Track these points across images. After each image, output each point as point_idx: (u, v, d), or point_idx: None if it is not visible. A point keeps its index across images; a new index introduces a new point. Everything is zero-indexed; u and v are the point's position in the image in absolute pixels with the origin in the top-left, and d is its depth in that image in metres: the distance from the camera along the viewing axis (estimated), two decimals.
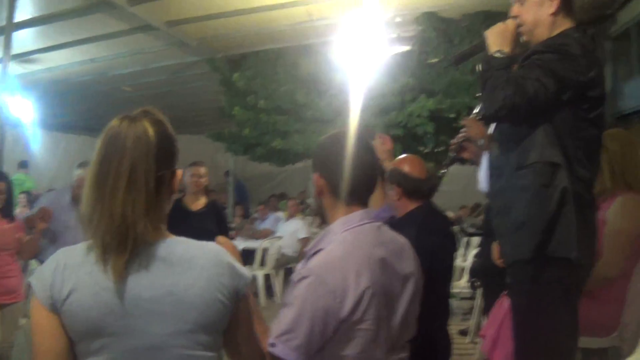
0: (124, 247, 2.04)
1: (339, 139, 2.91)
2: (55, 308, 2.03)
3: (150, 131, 2.16)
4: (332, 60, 11.44)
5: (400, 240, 2.97)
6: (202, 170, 7.74)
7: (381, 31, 10.05)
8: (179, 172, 2.29)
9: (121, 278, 2.03)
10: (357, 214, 2.83)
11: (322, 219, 2.97)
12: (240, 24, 10.82)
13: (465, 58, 3.91)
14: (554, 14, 3.38)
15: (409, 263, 2.90)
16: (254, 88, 12.31)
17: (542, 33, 3.40)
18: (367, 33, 9.74)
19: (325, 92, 11.85)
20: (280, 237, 12.21)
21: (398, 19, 10.94)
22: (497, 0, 10.22)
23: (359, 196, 2.86)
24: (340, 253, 2.67)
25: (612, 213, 4.34)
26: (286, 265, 12.31)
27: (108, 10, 9.56)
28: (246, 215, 15.80)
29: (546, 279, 3.21)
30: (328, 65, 11.60)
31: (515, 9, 3.49)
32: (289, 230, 12.52)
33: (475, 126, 4.44)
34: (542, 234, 3.16)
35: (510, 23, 3.44)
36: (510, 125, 3.36)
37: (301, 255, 12.17)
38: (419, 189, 4.24)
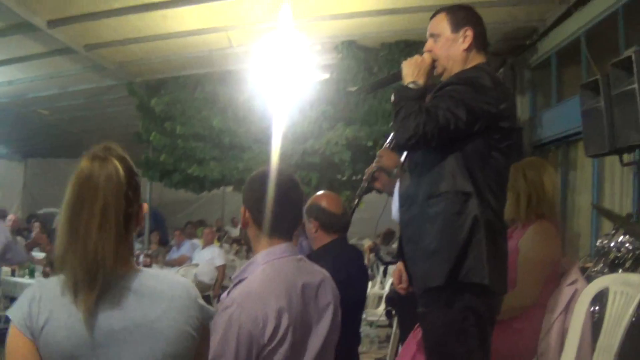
0: (95, 282, 2.09)
1: (267, 176, 3.02)
2: (33, 336, 2.08)
3: (121, 170, 2.21)
4: (251, 87, 11.42)
5: (320, 272, 3.12)
6: None
7: (300, 59, 10.07)
8: (145, 205, 2.35)
9: (91, 312, 2.08)
10: (279, 247, 2.98)
11: (249, 248, 3.05)
12: (159, 49, 10.73)
13: (379, 87, 3.96)
14: (467, 50, 3.42)
15: (328, 294, 3.06)
16: (171, 114, 12.19)
17: (456, 68, 3.43)
18: (286, 60, 9.74)
19: (243, 119, 11.81)
20: (196, 265, 12.04)
21: (318, 47, 11.00)
22: (416, 30, 10.38)
23: (282, 231, 3.02)
24: (261, 283, 2.82)
25: (525, 241, 4.38)
26: (203, 293, 12.09)
27: (27, 32, 9.38)
28: (163, 242, 15.59)
29: (458, 306, 3.19)
30: (247, 92, 11.57)
31: (429, 44, 3.53)
32: (205, 257, 12.35)
33: (388, 156, 4.56)
34: (453, 261, 3.15)
35: (427, 56, 3.48)
36: (422, 155, 3.38)
37: (217, 283, 12.06)
38: (335, 224, 4.47)
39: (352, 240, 14.15)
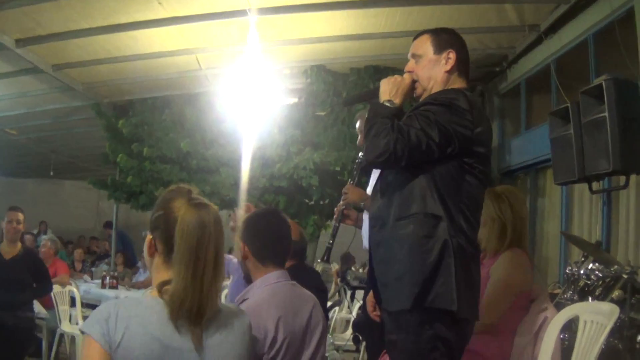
0: (204, 314, 2.48)
1: (261, 215, 3.76)
2: (110, 349, 2.34)
3: (217, 216, 2.60)
4: (219, 110, 11.33)
5: (311, 296, 3.67)
6: (20, 216, 7.35)
7: (269, 82, 10.00)
8: None
9: (200, 341, 2.48)
10: (275, 274, 3.58)
11: (247, 279, 3.65)
12: (128, 70, 10.60)
13: (357, 101, 3.93)
14: (449, 72, 3.41)
15: (318, 315, 3.60)
16: (139, 135, 12.04)
17: (435, 89, 3.40)
18: (255, 84, 9.66)
19: (211, 142, 11.70)
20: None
21: (287, 71, 10.96)
22: (385, 56, 10.36)
23: (276, 260, 3.62)
24: (261, 301, 3.38)
25: (496, 269, 4.31)
26: None
27: None
28: (130, 264, 15.37)
29: (427, 335, 3.11)
30: (215, 115, 11.48)
31: (410, 65, 3.49)
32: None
33: (353, 192, 4.93)
34: (421, 285, 3.08)
35: (407, 77, 3.44)
36: (393, 175, 3.32)
37: None
38: (293, 250, 4.62)
39: (319, 264, 14.08)
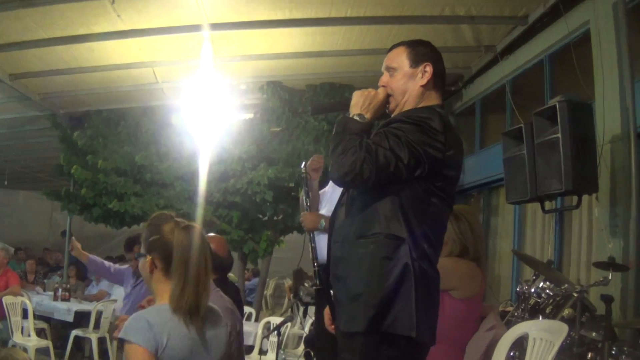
0: (200, 311, 3.12)
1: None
2: (157, 352, 2.91)
3: (201, 233, 3.25)
4: (175, 124, 11.23)
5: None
6: None
7: (225, 97, 9.92)
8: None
9: (202, 334, 3.13)
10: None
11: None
12: (85, 82, 10.42)
13: (325, 111, 3.82)
14: (424, 87, 3.30)
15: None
16: (94, 147, 11.87)
17: (410, 104, 3.31)
18: (211, 98, 9.59)
19: (165, 155, 11.58)
20: (114, 300, 11.66)
21: (243, 87, 10.90)
22: (341, 74, 10.36)
23: None
24: None
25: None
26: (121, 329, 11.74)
27: None
28: (82, 277, 15.13)
29: (381, 355, 3.04)
30: (171, 128, 11.38)
31: (384, 79, 3.38)
32: (124, 292, 12.00)
33: (308, 219, 4.93)
34: (376, 308, 3.00)
35: (381, 91, 3.33)
36: (359, 192, 3.21)
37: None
38: (220, 265, 4.98)
39: (273, 279, 13.99)
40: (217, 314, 3.34)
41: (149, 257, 3.14)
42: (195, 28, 8.18)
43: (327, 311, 4.07)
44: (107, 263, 8.10)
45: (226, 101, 10.08)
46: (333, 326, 3.74)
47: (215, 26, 8.19)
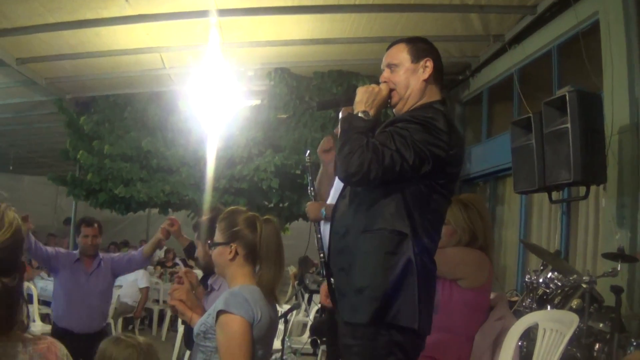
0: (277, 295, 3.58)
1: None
2: (252, 326, 3.29)
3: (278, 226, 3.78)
4: (181, 110, 11.21)
5: None
6: None
7: (232, 84, 9.92)
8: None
9: (275, 312, 3.57)
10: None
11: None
12: (92, 67, 10.40)
13: (331, 106, 3.81)
14: (426, 81, 3.35)
15: None
16: (100, 133, 11.87)
17: (413, 98, 3.36)
18: (218, 85, 9.57)
19: (172, 141, 11.58)
20: (119, 286, 11.69)
21: (250, 73, 10.88)
22: (349, 61, 10.33)
23: None
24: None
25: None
26: (126, 315, 11.78)
27: None
28: None
29: (384, 340, 3.09)
30: (177, 114, 11.37)
31: (385, 75, 3.41)
32: (129, 279, 11.94)
33: (312, 208, 4.90)
34: (380, 301, 3.06)
35: (384, 87, 3.36)
36: (364, 188, 3.24)
37: (140, 305, 11.71)
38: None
39: None
40: None
41: (233, 245, 3.51)
42: (203, 14, 8.15)
43: (323, 287, 4.09)
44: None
45: (233, 88, 10.08)
46: (328, 301, 3.80)
47: (223, 12, 8.17)
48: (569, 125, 5.97)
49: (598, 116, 6.12)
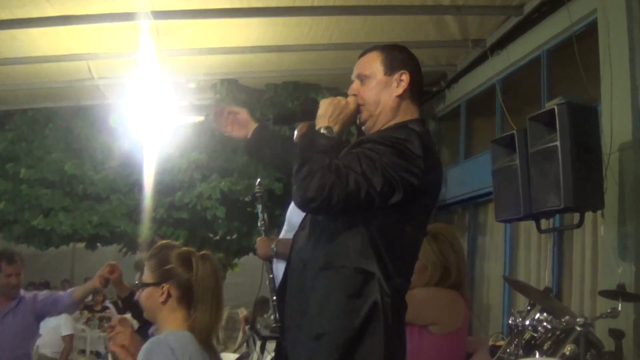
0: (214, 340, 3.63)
1: None
2: None
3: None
4: (112, 127, 11.14)
5: None
6: None
7: (172, 97, 9.88)
8: None
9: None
10: None
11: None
12: (7, 75, 10.19)
13: (288, 121, 3.80)
14: (400, 97, 3.35)
15: None
16: (16, 153, 11.76)
17: (384, 116, 3.36)
18: (155, 98, 9.53)
19: (101, 164, 11.51)
20: (38, 335, 11.55)
21: (192, 85, 10.85)
22: (306, 71, 10.34)
23: None
24: None
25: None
26: None
27: None
28: None
29: None
30: (107, 132, 11.30)
31: (354, 87, 3.40)
32: (49, 325, 11.79)
33: (262, 245, 4.99)
34: (341, 350, 3.05)
35: (352, 100, 3.34)
36: (324, 217, 3.25)
37: (63, 355, 11.52)
38: None
39: (225, 309, 13.93)
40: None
41: (165, 286, 3.55)
42: (138, 16, 8.05)
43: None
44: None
45: (173, 102, 10.05)
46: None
47: (161, 14, 8.07)
48: (558, 142, 5.95)
49: (593, 132, 6.12)
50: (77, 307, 7.48)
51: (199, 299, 3.54)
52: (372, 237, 3.11)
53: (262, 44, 9.31)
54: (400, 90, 3.34)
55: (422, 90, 3.50)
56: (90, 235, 11.86)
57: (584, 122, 6.03)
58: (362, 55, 3.48)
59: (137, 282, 3.75)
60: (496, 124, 9.02)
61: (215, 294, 3.59)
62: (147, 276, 3.61)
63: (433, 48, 9.33)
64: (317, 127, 3.22)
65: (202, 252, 3.69)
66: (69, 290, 6.60)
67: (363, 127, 3.40)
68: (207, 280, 3.57)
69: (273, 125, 4.13)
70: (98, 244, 12.40)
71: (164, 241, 3.84)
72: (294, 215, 4.97)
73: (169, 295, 3.55)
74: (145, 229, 10.43)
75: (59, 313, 7.24)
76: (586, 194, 5.98)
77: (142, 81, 9.17)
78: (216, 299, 3.59)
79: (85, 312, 14.28)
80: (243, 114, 3.93)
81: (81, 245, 13.39)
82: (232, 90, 10.95)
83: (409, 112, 3.38)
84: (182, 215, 11.30)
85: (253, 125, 3.89)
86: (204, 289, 3.55)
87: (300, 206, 3.11)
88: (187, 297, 3.56)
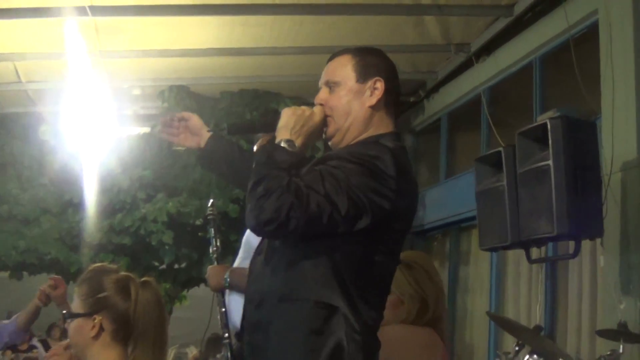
0: None
1: None
2: None
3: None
4: (42, 139, 11.06)
5: None
6: None
7: (113, 105, 9.83)
8: None
9: None
10: None
11: None
12: None
13: (246, 131, 3.76)
14: (373, 108, 3.30)
15: None
16: None
17: (354, 129, 3.30)
18: (93, 106, 9.48)
19: (29, 181, 11.40)
20: None
21: (137, 92, 10.82)
22: (268, 78, 10.33)
23: None
24: None
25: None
26: None
27: None
28: None
29: None
30: (37, 145, 11.21)
31: (322, 96, 3.36)
32: None
33: (213, 273, 4.88)
34: None
35: (317, 111, 3.29)
36: (282, 243, 3.20)
37: None
38: None
39: (173, 348, 13.95)
40: None
41: (97, 318, 3.28)
42: (73, 11, 7.98)
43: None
44: None
45: (114, 110, 9.99)
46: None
47: (100, 9, 8.02)
48: (551, 161, 5.95)
49: (592, 149, 6.10)
50: (23, 336, 7.39)
51: (138, 334, 3.30)
52: (336, 266, 3.07)
53: (217, 46, 9.34)
54: (373, 100, 3.29)
55: (398, 100, 3.46)
56: (15, 263, 11.69)
57: (581, 138, 6.03)
58: (331, 59, 3.44)
59: (64, 311, 3.56)
60: (481, 139, 9.06)
61: (158, 329, 3.35)
62: (77, 305, 3.37)
63: (411, 53, 9.38)
64: (277, 140, 3.17)
65: (143, 279, 3.45)
66: (14, 316, 6.52)
67: (330, 142, 3.36)
68: (148, 312, 3.32)
69: (228, 135, 4.08)
70: (24, 273, 12.26)
71: (98, 264, 3.60)
72: (251, 241, 4.94)
73: (101, 329, 3.29)
74: (80, 256, 10.32)
75: (4, 345, 7.16)
76: (583, 219, 5.97)
77: (78, 87, 9.12)
78: (160, 335, 3.36)
79: (9, 353, 14.15)
80: (194, 120, 3.90)
81: (5, 274, 13.25)
82: (182, 97, 10.93)
83: (382, 125, 3.33)
84: (123, 241, 11.18)
85: (207, 134, 3.86)
86: (144, 323, 3.30)
87: (255, 229, 3.05)
88: (123, 332, 3.30)
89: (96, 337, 3.29)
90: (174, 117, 3.92)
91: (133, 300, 3.32)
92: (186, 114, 3.94)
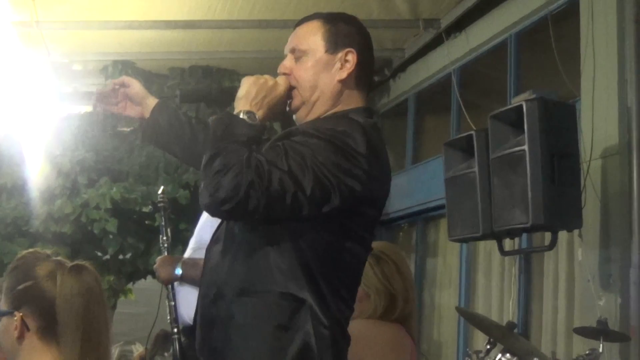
0: None
1: None
2: None
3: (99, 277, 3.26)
4: None
5: None
6: None
7: (51, 81, 9.75)
8: None
9: None
10: None
11: None
12: None
13: (199, 98, 3.67)
14: (343, 82, 3.25)
15: None
16: None
17: (322, 104, 3.25)
18: (29, 82, 9.40)
19: None
20: None
21: (78, 67, 10.73)
22: (220, 54, 10.29)
23: None
24: None
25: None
26: None
27: None
28: None
29: None
30: None
31: (287, 64, 3.30)
32: None
33: (162, 267, 4.91)
34: None
35: (281, 81, 3.22)
36: (242, 228, 3.15)
37: None
38: None
39: (117, 345, 13.94)
40: None
41: (17, 315, 2.92)
42: None
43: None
44: None
45: (52, 87, 9.91)
46: None
47: None
48: (526, 147, 5.95)
49: (570, 134, 6.12)
50: None
51: (61, 332, 2.91)
52: (302, 254, 3.02)
53: (166, 19, 9.29)
54: (344, 74, 3.22)
55: (371, 74, 3.41)
56: None
57: (559, 122, 6.03)
58: (299, 23, 3.36)
59: None
60: (451, 122, 9.09)
61: (86, 320, 2.94)
62: (2, 301, 3.03)
63: (376, 29, 9.26)
64: (235, 111, 3.10)
65: (74, 263, 3.10)
66: None
67: (295, 116, 3.30)
68: (74, 304, 2.94)
69: (180, 103, 3.96)
70: None
71: (29, 250, 3.22)
72: (205, 229, 4.89)
73: (25, 328, 2.93)
74: (15, 245, 10.24)
75: None
76: (560, 209, 5.99)
77: (10, 61, 9.02)
78: (90, 327, 2.95)
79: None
80: (136, 86, 3.75)
81: None
82: (127, 73, 10.80)
83: (352, 101, 3.27)
84: (62, 229, 11.08)
85: (151, 102, 3.73)
86: (69, 313, 2.92)
87: (209, 208, 2.97)
88: (52, 329, 2.92)
89: (20, 338, 2.93)
90: (112, 83, 3.78)
91: (62, 291, 2.94)
92: (127, 79, 3.78)
